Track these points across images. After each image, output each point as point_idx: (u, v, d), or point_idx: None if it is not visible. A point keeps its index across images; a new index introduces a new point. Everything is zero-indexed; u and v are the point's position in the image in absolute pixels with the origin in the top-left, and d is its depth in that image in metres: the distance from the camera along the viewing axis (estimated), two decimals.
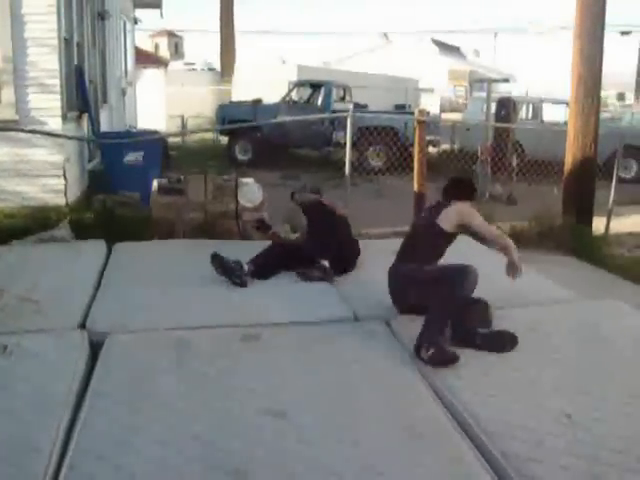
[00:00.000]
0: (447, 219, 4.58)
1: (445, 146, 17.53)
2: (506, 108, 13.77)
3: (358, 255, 5.91)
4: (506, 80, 23.62)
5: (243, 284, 5.15)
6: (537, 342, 4.21)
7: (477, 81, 27.50)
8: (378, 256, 5.39)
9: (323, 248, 5.59)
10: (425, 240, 4.68)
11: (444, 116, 24.96)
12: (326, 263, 5.46)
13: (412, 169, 8.47)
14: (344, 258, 5.68)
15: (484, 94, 14.89)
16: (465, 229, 4.79)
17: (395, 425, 3.17)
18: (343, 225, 5.98)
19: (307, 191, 6.23)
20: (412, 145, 9.06)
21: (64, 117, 8.63)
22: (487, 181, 12.31)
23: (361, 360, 3.90)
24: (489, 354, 4.00)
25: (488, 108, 13.45)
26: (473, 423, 3.18)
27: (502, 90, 23.01)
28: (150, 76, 25.49)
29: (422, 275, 4.44)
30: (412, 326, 4.38)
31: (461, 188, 4.83)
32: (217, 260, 5.21)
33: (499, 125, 13.18)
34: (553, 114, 16.12)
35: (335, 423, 3.17)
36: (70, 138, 8.86)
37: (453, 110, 30.71)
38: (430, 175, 8.64)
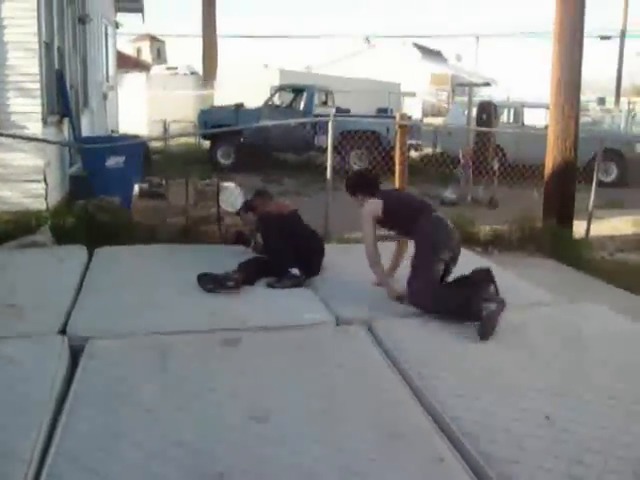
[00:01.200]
0: None
1: (427, 150, 17.61)
2: (487, 112, 13.85)
3: (321, 245, 5.92)
4: (487, 84, 23.77)
5: (237, 285, 5.10)
6: (517, 344, 4.24)
7: (459, 85, 27.65)
8: (359, 260, 5.40)
9: (285, 256, 5.51)
10: None
11: (426, 120, 25.09)
12: (296, 271, 5.41)
13: (394, 173, 8.51)
14: (306, 254, 5.62)
15: (466, 98, 14.97)
16: None
17: (376, 427, 3.18)
18: (295, 223, 5.89)
19: (250, 205, 6.25)
20: (394, 149, 9.09)
21: (44, 121, 8.59)
22: (469, 185, 12.39)
23: (343, 364, 3.91)
24: (470, 356, 4.03)
25: (469, 112, 13.53)
26: (453, 425, 3.20)
27: (484, 94, 23.15)
28: (132, 80, 25.43)
29: None
30: (393, 330, 4.42)
31: None
32: (204, 279, 5.12)
33: (480, 129, 13.26)
34: (534, 118, 16.23)
35: (316, 426, 3.18)
36: (51, 142, 8.81)
37: (435, 114, 30.88)
38: (412, 179, 8.70)
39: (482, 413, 3.31)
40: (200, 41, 31.03)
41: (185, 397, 3.43)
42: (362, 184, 5.37)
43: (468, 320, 4.43)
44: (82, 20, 12.45)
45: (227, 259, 5.61)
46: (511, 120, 16.99)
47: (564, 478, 2.81)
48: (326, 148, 8.76)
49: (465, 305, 4.50)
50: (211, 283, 5.09)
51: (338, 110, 16.08)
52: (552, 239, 8.49)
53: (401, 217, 5.08)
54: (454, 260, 4.94)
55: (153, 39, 50.97)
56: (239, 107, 16.83)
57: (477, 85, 19.75)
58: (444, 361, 3.94)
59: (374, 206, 5.07)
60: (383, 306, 4.92)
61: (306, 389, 3.57)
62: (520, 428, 3.18)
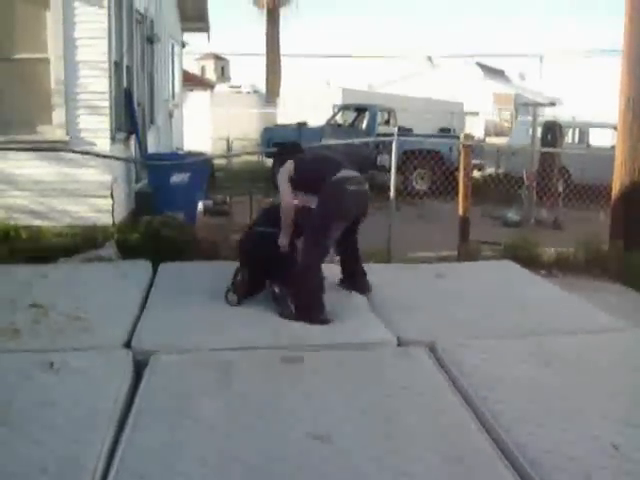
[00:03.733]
0: None
1: (490, 170, 17.44)
2: (552, 132, 13.65)
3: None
4: (552, 104, 23.37)
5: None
6: (584, 370, 4.14)
7: (522, 105, 27.33)
8: (421, 280, 5.36)
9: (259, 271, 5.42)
10: None
11: (489, 140, 24.87)
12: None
13: (457, 193, 8.45)
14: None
15: (530, 118, 14.79)
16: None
17: (438, 452, 3.14)
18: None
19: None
20: (457, 169, 9.04)
21: (113, 138, 8.78)
22: (532, 206, 12.22)
23: (405, 385, 3.87)
24: (535, 380, 3.96)
25: (534, 132, 13.34)
26: (517, 451, 3.13)
27: (548, 114, 22.86)
28: (196, 98, 25.88)
29: None
30: (456, 351, 4.35)
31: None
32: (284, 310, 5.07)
33: (545, 150, 13.07)
34: (600, 138, 15.95)
35: (378, 448, 3.15)
36: (118, 159, 8.99)
37: (498, 134, 30.61)
38: (474, 199, 8.61)
39: (547, 439, 3.23)
40: (263, 60, 31.43)
41: (247, 414, 3.44)
42: (278, 156, 5.87)
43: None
44: (150, 40, 12.73)
45: None
46: (576, 140, 16.72)
47: None
48: (389, 167, 8.74)
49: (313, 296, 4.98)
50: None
51: (400, 129, 16.06)
52: (619, 262, 8.29)
53: (309, 177, 5.35)
54: (357, 222, 5.41)
55: (217, 58, 51.72)
56: (302, 125, 16.93)
57: (541, 104, 19.47)
58: (508, 385, 3.87)
59: (287, 165, 5.43)
60: (446, 327, 4.87)
61: (368, 410, 3.54)
62: (586, 456, 3.09)
